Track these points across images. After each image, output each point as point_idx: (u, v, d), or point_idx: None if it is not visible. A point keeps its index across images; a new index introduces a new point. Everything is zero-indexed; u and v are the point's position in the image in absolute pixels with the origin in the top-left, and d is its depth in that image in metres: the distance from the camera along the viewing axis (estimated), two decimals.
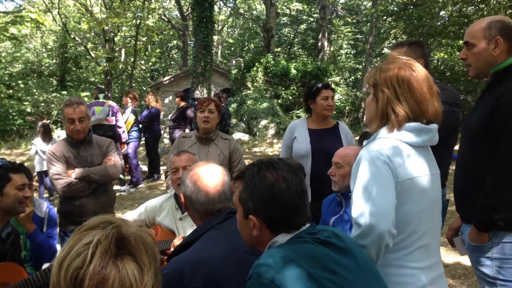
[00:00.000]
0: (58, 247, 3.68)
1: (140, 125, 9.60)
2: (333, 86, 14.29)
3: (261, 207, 1.60)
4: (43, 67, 32.61)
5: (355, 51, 28.85)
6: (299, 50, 31.24)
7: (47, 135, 9.16)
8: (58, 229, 3.75)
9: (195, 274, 1.77)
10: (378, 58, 23.79)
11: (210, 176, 2.11)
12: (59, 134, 11.35)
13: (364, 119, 17.19)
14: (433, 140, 1.97)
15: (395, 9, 18.06)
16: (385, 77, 1.93)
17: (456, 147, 2.86)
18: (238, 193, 1.68)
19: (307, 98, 4.06)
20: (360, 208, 1.83)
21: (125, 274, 1.09)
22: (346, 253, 1.57)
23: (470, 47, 2.46)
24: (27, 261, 3.32)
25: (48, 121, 11.88)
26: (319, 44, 24.09)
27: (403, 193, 1.86)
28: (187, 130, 9.59)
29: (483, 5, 13.64)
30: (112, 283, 1.08)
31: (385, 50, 23.23)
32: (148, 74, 35.99)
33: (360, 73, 26.00)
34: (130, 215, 3.41)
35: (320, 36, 24.07)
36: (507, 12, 13.01)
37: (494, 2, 13.19)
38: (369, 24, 22.99)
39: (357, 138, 13.73)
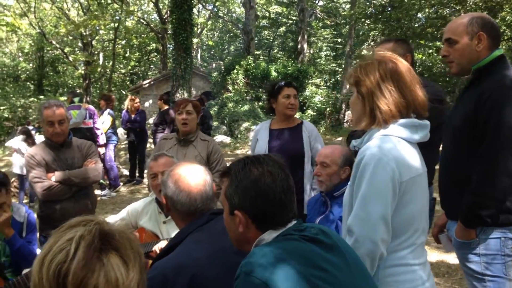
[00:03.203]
0: (38, 252, 3.60)
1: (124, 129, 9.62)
2: (313, 88, 14.39)
3: (246, 202, 1.57)
4: (19, 72, 32.09)
5: (334, 54, 29.03)
6: (279, 53, 31.33)
7: (30, 139, 9.06)
8: (38, 234, 3.67)
9: (179, 277, 1.73)
10: (357, 60, 23.95)
11: (192, 175, 2.05)
12: (39, 139, 11.20)
13: (351, 120, 17.32)
14: (427, 136, 1.94)
15: (373, 11, 18.23)
16: (367, 73, 1.89)
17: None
18: (224, 189, 1.65)
19: (269, 97, 3.98)
20: (356, 215, 1.81)
21: (110, 269, 1.06)
22: (334, 250, 1.55)
23: (452, 44, 2.46)
24: (7, 267, 3.23)
25: (31, 126, 11.70)
26: (299, 46, 24.18)
27: (408, 193, 1.83)
28: (166, 132, 9.58)
29: (460, 7, 13.86)
30: (97, 278, 1.04)
31: (364, 52, 23.44)
32: (128, 78, 35.67)
33: (339, 75, 26.18)
34: (112, 219, 3.35)
35: (299, 38, 24.18)
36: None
37: (471, 3, 13.41)
38: (347, 26, 23.15)
39: (340, 138, 13.71)
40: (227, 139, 14.20)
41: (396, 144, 1.84)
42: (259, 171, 1.58)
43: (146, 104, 21.30)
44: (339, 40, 29.31)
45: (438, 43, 15.34)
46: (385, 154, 1.80)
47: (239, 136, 14.35)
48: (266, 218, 1.57)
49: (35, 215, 3.68)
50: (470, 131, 2.33)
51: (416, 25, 15.66)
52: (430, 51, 17.11)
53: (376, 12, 17.75)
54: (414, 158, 1.88)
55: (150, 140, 12.94)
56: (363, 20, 18.47)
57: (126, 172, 10.77)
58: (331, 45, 29.22)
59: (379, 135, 1.86)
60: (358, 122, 1.97)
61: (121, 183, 9.93)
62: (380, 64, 1.89)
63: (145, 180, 10.16)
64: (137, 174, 10.27)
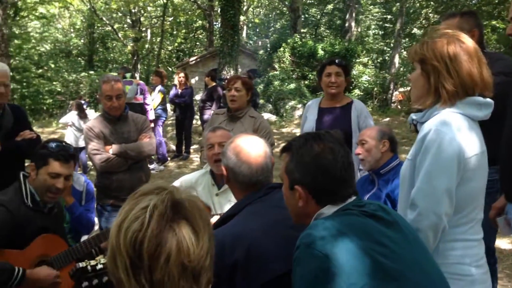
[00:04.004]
0: (96, 220, 3.77)
1: (171, 104, 9.76)
2: (361, 67, 14.04)
3: (307, 177, 1.61)
4: (71, 47, 32.99)
5: (383, 32, 28.30)
6: (326, 31, 30.82)
7: (82, 112, 9.39)
8: (95, 202, 3.83)
9: (236, 247, 1.78)
10: (407, 39, 23.30)
11: (253, 147, 2.08)
12: (90, 113, 11.61)
13: (399, 101, 16.96)
14: (489, 115, 1.93)
15: None
16: (434, 51, 1.87)
17: None
18: (285, 164, 1.69)
19: (318, 76, 4.01)
20: (420, 189, 1.83)
21: (182, 238, 1.11)
22: (394, 227, 1.57)
23: None
24: (67, 233, 3.41)
25: (82, 100, 12.09)
26: (346, 24, 23.69)
27: (471, 169, 1.84)
28: (213, 109, 9.70)
29: None
30: (170, 246, 1.09)
31: (415, 31, 22.73)
32: (174, 55, 36.10)
33: (388, 54, 25.55)
34: None
35: (347, 16, 23.67)
36: None
37: None
38: (398, 4, 22.46)
39: (388, 118, 13.38)
40: (273, 117, 14.20)
41: (462, 121, 1.85)
42: (320, 147, 1.61)
43: (192, 81, 21.46)
44: (388, 17, 28.53)
45: (494, 22, 14.70)
46: (452, 130, 1.81)
47: (284, 114, 14.31)
48: (327, 193, 1.61)
49: (93, 185, 3.85)
50: None
51: (472, 3, 15.03)
52: (486, 30, 16.41)
53: None
54: (477, 136, 1.90)
55: (197, 117, 13.12)
56: None
57: (173, 147, 10.98)
58: (380, 23, 28.48)
59: (445, 112, 1.86)
60: (420, 99, 1.97)
61: (169, 158, 10.14)
62: (448, 43, 1.88)
63: (192, 156, 10.35)
64: (184, 149, 10.43)
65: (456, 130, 1.81)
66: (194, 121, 12.99)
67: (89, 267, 2.03)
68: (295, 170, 1.63)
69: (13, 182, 3.11)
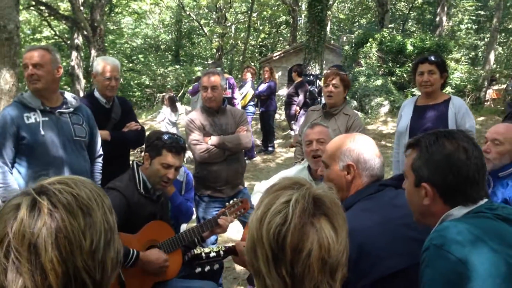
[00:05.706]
0: (193, 210, 3.89)
1: (256, 99, 9.86)
2: (453, 64, 13.29)
3: (437, 175, 1.54)
4: (160, 42, 34.34)
5: (476, 27, 26.78)
6: (414, 26, 29.73)
7: (173, 106, 9.79)
8: (194, 193, 3.95)
9: (348, 242, 1.75)
10: (503, 34, 21.91)
11: (375, 145, 2.07)
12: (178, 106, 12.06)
13: (492, 99, 16.04)
14: None
15: None
16: None
17: None
18: (411, 161, 1.63)
19: (412, 74, 3.90)
20: None
21: (322, 234, 1.10)
22: None
23: None
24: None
25: (173, 93, 12.65)
26: (437, 19, 22.72)
27: None
28: (295, 107, 9.76)
29: None
30: (311, 242, 1.09)
31: None
32: (257, 50, 36.49)
33: (481, 49, 24.16)
34: (264, 185, 3.49)
35: (438, 10, 22.68)
36: None
37: None
38: None
39: (482, 118, 12.70)
40: (358, 114, 13.92)
41: None
42: (453, 146, 1.54)
43: (276, 76, 21.61)
44: (482, 12, 26.98)
45: None
46: None
47: (370, 111, 13.97)
48: (457, 194, 1.53)
49: (192, 176, 3.97)
50: None
51: None
52: None
53: None
54: None
55: (280, 112, 13.17)
56: None
57: (258, 141, 11.09)
58: (473, 17, 26.99)
59: None
60: None
61: (255, 152, 10.24)
62: None
63: (277, 150, 10.40)
64: (269, 144, 10.48)
65: None
66: (277, 116, 13.06)
67: (203, 254, 2.09)
68: (423, 167, 1.57)
69: (121, 169, 3.30)
